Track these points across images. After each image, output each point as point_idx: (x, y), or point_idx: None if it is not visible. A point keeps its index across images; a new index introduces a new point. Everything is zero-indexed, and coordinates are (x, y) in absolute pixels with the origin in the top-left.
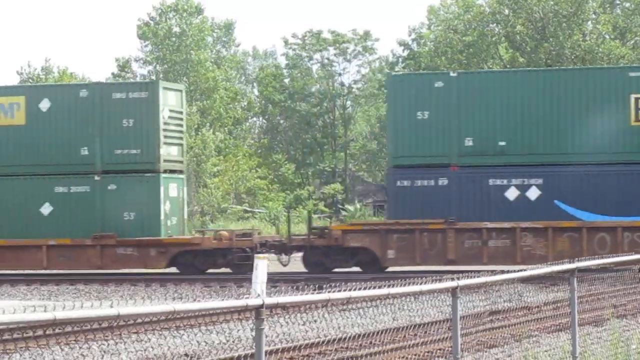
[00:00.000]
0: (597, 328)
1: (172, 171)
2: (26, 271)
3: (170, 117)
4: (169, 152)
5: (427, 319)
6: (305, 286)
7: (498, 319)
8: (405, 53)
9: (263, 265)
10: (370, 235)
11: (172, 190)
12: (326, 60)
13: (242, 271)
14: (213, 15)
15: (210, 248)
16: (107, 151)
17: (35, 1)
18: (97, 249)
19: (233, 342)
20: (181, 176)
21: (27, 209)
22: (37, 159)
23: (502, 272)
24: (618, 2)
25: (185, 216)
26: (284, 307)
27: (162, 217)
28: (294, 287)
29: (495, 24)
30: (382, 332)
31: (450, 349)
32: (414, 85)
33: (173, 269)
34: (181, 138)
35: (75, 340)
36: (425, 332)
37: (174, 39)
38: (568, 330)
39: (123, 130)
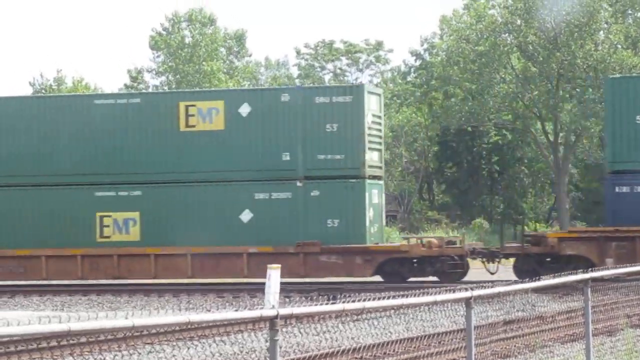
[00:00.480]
0: (611, 338)
1: (373, 177)
2: (32, 282)
3: (372, 122)
4: (371, 157)
5: (440, 329)
6: (319, 296)
7: (512, 329)
8: (418, 63)
9: (276, 276)
10: (587, 243)
11: (374, 196)
12: (339, 70)
13: (451, 280)
14: (225, 26)
15: (419, 256)
16: (310, 156)
17: (46, 12)
18: (300, 257)
19: (247, 352)
20: (380, 182)
21: (226, 216)
22: (236, 165)
23: (516, 282)
24: (630, 12)
25: (384, 223)
26: (297, 317)
27: (367, 223)
28: (307, 298)
29: (507, 34)
30: (395, 342)
31: (464, 359)
32: (634, 89)
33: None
34: (380, 143)
35: (89, 351)
36: (439, 342)
37: (186, 49)
38: (582, 340)
39: (326, 135)
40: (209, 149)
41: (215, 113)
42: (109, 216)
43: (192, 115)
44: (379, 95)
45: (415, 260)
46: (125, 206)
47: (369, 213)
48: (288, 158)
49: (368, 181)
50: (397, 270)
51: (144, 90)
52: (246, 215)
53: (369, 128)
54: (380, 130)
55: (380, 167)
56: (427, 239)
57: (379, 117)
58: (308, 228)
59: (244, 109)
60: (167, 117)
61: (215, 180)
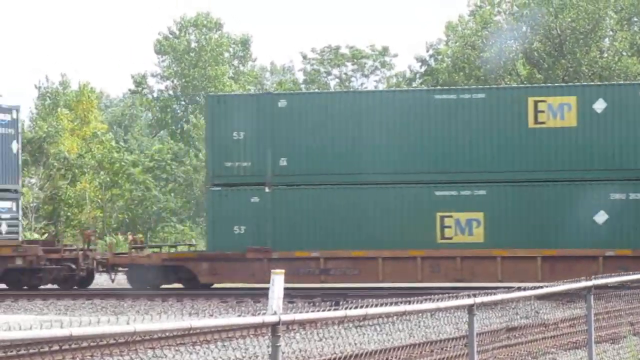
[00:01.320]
0: (614, 345)
1: None
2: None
3: None
4: None
5: (443, 335)
6: (322, 302)
7: (515, 335)
8: (423, 69)
9: (280, 281)
10: None
11: None
12: (344, 76)
13: None
14: (230, 31)
15: None
16: None
17: (50, 16)
18: None
19: (249, 358)
20: None
21: (579, 217)
22: (590, 164)
23: (519, 289)
24: (635, 19)
25: None
26: (300, 323)
27: None
28: (310, 303)
29: (513, 41)
30: (398, 349)
31: None
32: None
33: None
34: None
35: (91, 356)
36: (442, 348)
37: (192, 54)
38: (585, 348)
39: None
40: (560, 147)
41: (567, 109)
42: (450, 216)
43: (542, 111)
44: None
45: None
46: (468, 206)
47: None
48: None
49: None
50: None
51: (488, 86)
52: (601, 217)
53: None
54: None
55: None
56: None
57: None
58: None
59: (599, 105)
60: (514, 113)
61: (568, 179)
